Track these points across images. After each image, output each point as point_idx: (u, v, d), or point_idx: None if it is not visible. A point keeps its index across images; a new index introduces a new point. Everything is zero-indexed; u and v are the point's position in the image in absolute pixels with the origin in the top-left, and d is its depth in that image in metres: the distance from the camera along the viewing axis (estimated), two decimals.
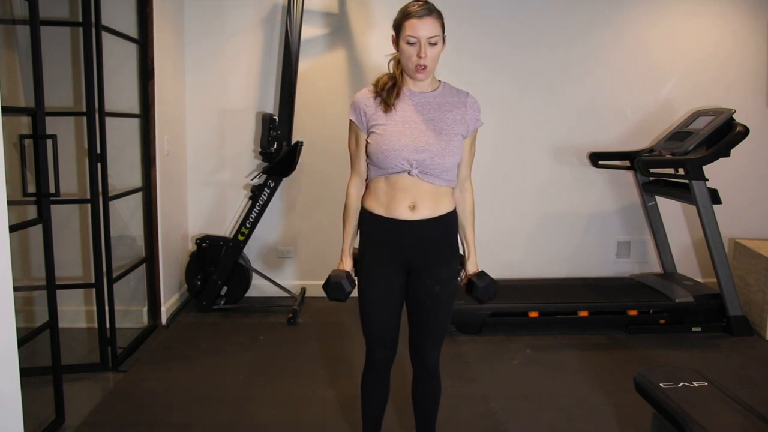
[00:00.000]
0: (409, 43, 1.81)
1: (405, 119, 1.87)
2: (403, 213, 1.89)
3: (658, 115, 4.26)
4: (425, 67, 1.82)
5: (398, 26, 1.85)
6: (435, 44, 1.81)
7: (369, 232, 1.98)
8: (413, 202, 1.89)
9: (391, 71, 1.93)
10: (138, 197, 3.55)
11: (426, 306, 1.97)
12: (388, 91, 1.88)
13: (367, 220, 1.98)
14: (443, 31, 1.85)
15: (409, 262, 1.96)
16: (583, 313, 3.66)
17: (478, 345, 3.47)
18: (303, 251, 4.30)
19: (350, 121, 1.95)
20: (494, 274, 2.12)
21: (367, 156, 1.93)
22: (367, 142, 1.91)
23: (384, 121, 1.87)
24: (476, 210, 2.11)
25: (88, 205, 3.02)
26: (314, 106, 4.11)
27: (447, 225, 1.96)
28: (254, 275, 4.15)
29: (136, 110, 3.49)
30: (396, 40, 1.87)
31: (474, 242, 2.08)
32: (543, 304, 3.68)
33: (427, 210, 1.90)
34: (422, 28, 1.78)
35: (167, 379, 2.99)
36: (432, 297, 1.96)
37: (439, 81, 1.96)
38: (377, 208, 1.94)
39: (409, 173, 1.86)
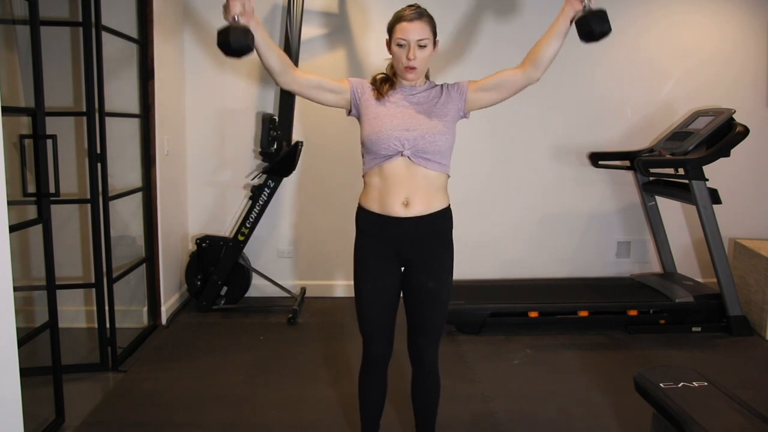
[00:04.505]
0: (399, 45, 1.91)
1: (397, 106, 1.96)
2: (397, 210, 1.93)
3: (658, 115, 4.26)
4: (414, 68, 1.91)
5: (390, 30, 1.96)
6: (424, 47, 1.91)
7: (364, 228, 2.02)
8: (407, 198, 1.93)
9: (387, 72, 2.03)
10: (138, 197, 3.55)
11: (420, 302, 2.00)
12: (381, 82, 1.99)
13: (362, 217, 2.02)
14: (434, 36, 1.94)
15: (403, 258, 1.99)
16: (583, 313, 3.66)
17: (478, 345, 3.47)
18: (303, 251, 4.30)
19: (345, 79, 2.01)
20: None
21: (361, 143, 1.98)
22: (360, 126, 1.98)
23: (376, 106, 1.96)
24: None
25: (88, 205, 3.02)
26: (314, 106, 4.06)
27: (441, 222, 2.00)
28: (254, 275, 4.15)
29: (136, 110, 3.49)
30: (389, 43, 1.96)
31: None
32: (543, 304, 3.68)
33: (421, 206, 1.94)
34: (412, 31, 1.88)
35: (167, 379, 2.99)
36: (426, 292, 1.98)
37: (428, 80, 2.06)
38: (372, 204, 1.98)
39: (401, 154, 1.90)
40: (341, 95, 1.98)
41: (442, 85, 2.03)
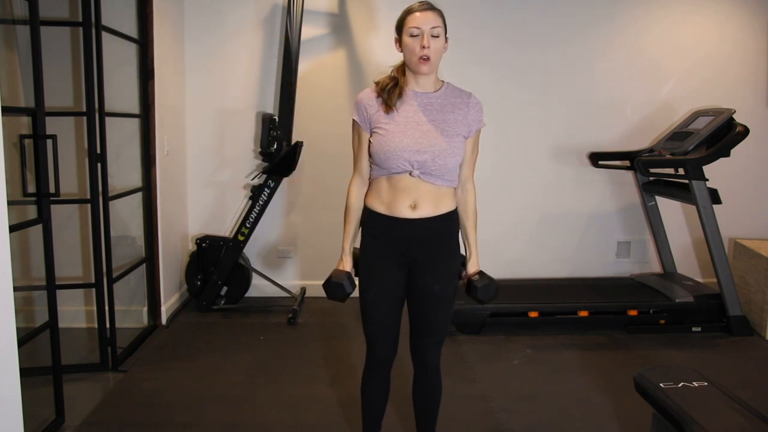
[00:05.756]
0: (412, 36, 1.84)
1: (407, 120, 1.88)
2: (405, 212, 1.91)
3: (658, 115, 4.26)
4: (428, 58, 1.84)
5: (401, 24, 1.89)
6: (437, 36, 1.84)
7: (370, 230, 1.99)
8: (414, 202, 1.90)
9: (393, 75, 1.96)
10: (138, 197, 3.55)
11: (425, 304, 1.98)
12: (389, 92, 1.90)
13: (369, 218, 1.99)
14: (445, 30, 1.88)
15: (409, 260, 1.97)
16: (583, 313, 3.66)
17: (478, 345, 3.47)
18: (303, 251, 4.30)
19: (353, 120, 1.97)
20: (494, 274, 2.13)
21: (370, 156, 1.94)
22: (369, 141, 1.93)
23: (386, 121, 1.89)
24: (477, 209, 2.11)
25: (88, 205, 3.02)
26: (314, 106, 4.11)
27: (447, 224, 1.98)
28: (254, 275, 4.15)
29: (136, 110, 3.49)
30: (399, 40, 1.90)
31: (475, 242, 2.08)
32: (543, 304, 3.68)
33: (428, 209, 1.92)
34: (424, 20, 1.83)
35: (167, 379, 2.99)
36: (431, 295, 1.96)
37: (443, 81, 1.98)
38: (379, 206, 1.95)
39: (410, 174, 1.88)
40: (367, 136, 1.94)
41: (470, 97, 1.95)
